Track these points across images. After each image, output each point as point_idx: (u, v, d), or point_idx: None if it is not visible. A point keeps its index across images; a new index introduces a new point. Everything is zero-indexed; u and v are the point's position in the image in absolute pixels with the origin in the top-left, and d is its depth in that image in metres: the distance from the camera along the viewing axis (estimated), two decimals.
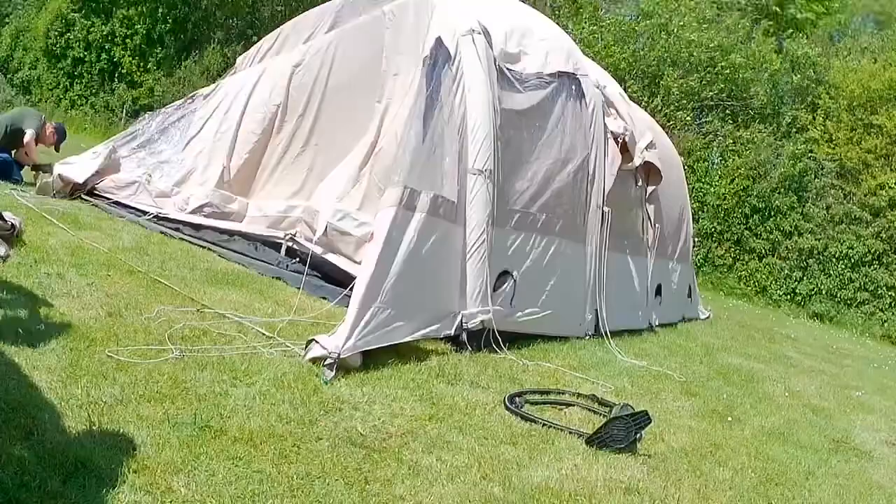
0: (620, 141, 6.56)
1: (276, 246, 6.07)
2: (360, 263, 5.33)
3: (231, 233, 6.27)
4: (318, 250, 5.74)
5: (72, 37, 23.00)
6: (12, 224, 4.68)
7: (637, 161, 6.82)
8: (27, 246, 4.69)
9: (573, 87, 5.99)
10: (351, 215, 5.82)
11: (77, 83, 23.35)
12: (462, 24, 5.20)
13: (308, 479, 2.59)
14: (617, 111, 6.69)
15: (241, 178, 6.90)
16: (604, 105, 6.42)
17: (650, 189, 7.28)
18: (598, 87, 6.46)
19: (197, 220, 6.42)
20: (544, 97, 5.65)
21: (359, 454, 2.90)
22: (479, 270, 4.89)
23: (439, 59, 4.90)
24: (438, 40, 4.96)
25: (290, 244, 6.00)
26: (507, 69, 5.39)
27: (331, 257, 5.70)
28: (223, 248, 6.08)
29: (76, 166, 6.88)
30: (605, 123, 6.36)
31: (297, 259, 5.86)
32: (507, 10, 6.17)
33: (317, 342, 3.79)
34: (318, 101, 6.86)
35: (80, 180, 6.75)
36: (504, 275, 5.20)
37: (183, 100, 7.62)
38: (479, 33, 5.20)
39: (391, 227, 4.28)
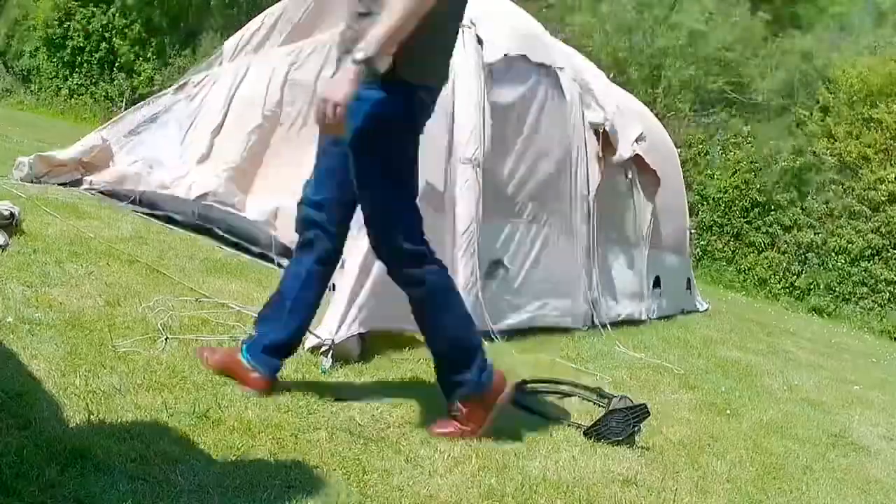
0: (601, 132, 6.53)
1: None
2: None
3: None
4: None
5: (71, 26, 22.97)
6: (11, 213, 4.66)
7: (626, 153, 6.80)
8: (26, 235, 4.67)
9: (551, 79, 5.96)
10: None
11: (77, 72, 23.33)
12: None
13: (306, 469, 2.59)
14: (596, 101, 6.66)
15: (239, 172, 6.62)
16: (581, 96, 6.38)
17: (650, 191, 7.28)
18: (575, 80, 6.42)
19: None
20: (526, 90, 5.62)
21: (357, 444, 2.90)
22: (468, 261, 4.87)
23: None
24: None
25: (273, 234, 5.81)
26: (495, 61, 5.34)
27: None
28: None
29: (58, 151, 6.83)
30: (583, 114, 6.33)
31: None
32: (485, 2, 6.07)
33: (310, 332, 3.78)
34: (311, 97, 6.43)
35: (63, 158, 6.64)
36: (496, 264, 5.20)
37: (173, 87, 7.28)
38: (469, 27, 5.15)
39: None
